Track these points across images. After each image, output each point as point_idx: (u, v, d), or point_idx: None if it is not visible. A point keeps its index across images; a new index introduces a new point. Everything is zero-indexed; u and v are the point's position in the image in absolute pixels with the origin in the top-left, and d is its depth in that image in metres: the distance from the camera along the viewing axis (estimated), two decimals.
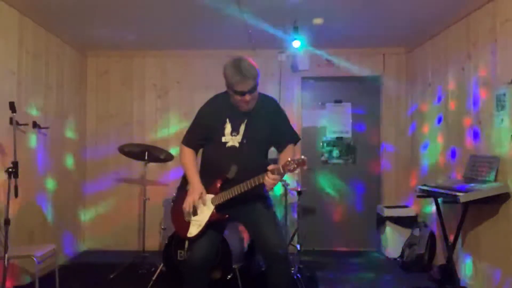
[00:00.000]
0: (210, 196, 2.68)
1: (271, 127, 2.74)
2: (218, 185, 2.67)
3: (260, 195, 2.73)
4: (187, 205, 2.66)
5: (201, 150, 2.86)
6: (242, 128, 2.68)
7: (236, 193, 2.60)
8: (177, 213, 2.78)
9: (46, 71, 4.54)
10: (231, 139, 2.68)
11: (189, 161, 2.77)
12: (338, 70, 5.50)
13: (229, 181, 2.65)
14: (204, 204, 2.68)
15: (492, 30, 3.58)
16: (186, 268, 2.83)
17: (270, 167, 2.50)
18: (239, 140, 2.67)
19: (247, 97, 2.58)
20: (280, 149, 2.83)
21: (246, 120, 2.68)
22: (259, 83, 2.63)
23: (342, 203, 5.61)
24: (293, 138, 2.85)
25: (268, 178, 2.49)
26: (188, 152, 2.79)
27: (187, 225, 2.71)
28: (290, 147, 2.81)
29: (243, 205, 2.69)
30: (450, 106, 4.33)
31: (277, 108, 2.83)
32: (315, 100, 5.69)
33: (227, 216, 2.68)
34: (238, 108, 2.67)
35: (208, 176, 2.72)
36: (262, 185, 2.56)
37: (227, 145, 2.68)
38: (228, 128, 2.68)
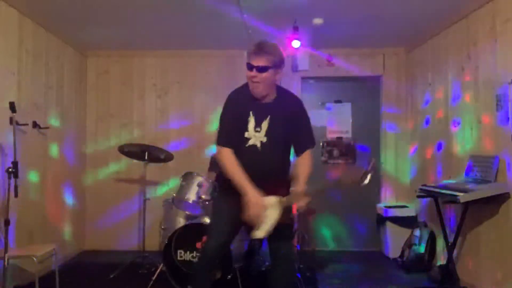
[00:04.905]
0: (274, 198, 2.53)
1: (293, 127, 2.65)
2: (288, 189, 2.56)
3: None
4: (253, 218, 2.48)
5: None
6: (265, 125, 2.60)
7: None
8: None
9: (46, 71, 4.54)
10: (254, 135, 2.59)
11: (235, 166, 2.53)
12: (338, 70, 5.50)
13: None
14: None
15: (492, 30, 3.58)
16: (201, 256, 2.85)
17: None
18: (262, 139, 2.59)
19: (253, 73, 2.50)
20: (298, 152, 2.71)
21: (269, 117, 2.60)
22: (279, 73, 2.57)
23: (342, 203, 5.60)
24: (312, 143, 2.73)
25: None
26: (229, 154, 2.56)
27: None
28: (307, 156, 2.68)
29: None
30: (450, 106, 4.33)
31: (302, 109, 2.73)
32: (315, 100, 5.69)
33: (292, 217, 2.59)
34: (253, 92, 2.57)
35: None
36: (286, 187, 2.59)
37: (248, 144, 2.59)
38: (252, 122, 2.59)
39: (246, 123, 2.59)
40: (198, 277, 2.87)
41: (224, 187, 2.84)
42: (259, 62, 2.50)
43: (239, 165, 2.53)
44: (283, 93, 2.71)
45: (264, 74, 2.51)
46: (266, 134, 2.60)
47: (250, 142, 2.60)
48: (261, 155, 2.57)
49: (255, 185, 2.51)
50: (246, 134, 2.60)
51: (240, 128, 2.59)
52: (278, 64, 2.55)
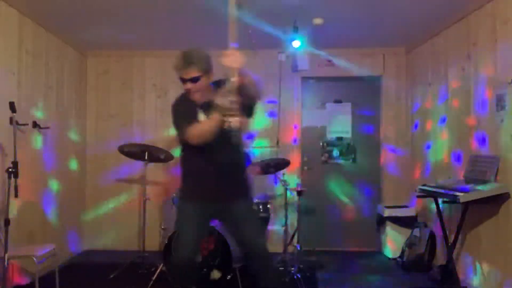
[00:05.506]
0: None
1: None
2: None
3: (245, 194, 2.77)
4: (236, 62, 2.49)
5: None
6: None
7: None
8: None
9: (46, 71, 4.54)
10: None
11: (199, 124, 2.56)
12: (338, 70, 5.50)
13: None
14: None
15: (492, 30, 3.58)
16: (176, 268, 2.82)
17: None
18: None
19: (188, 85, 2.55)
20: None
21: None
22: (212, 75, 2.60)
23: (342, 203, 5.61)
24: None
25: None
26: (192, 126, 2.54)
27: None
28: None
29: (228, 205, 2.71)
30: (450, 106, 4.33)
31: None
32: (315, 100, 5.69)
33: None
34: (195, 100, 2.61)
35: (199, 179, 2.68)
36: (248, 184, 2.67)
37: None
38: (202, 116, 2.61)
39: (197, 118, 2.61)
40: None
41: (186, 194, 2.81)
42: (190, 74, 2.53)
43: (198, 123, 2.55)
44: (218, 85, 2.67)
45: (198, 84, 2.56)
46: None
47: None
48: (216, 146, 2.55)
49: (217, 178, 2.62)
50: None
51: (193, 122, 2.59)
52: (208, 69, 2.59)
